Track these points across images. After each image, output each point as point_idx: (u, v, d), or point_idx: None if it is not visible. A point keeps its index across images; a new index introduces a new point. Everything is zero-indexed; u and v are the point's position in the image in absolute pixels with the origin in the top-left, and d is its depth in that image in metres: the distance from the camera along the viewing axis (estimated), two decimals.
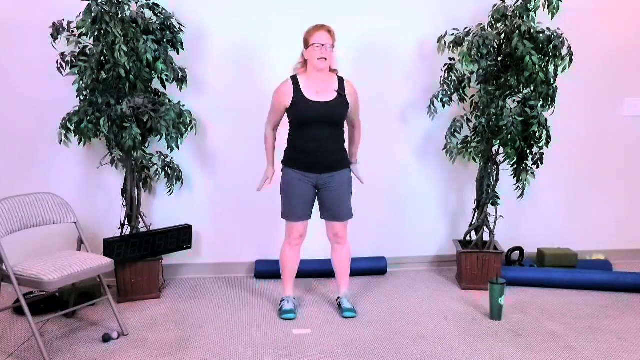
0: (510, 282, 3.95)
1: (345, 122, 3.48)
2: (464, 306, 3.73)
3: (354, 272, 4.11)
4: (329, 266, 3.76)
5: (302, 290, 3.95)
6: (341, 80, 3.39)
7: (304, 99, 3.31)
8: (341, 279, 3.63)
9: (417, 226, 4.42)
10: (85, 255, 3.21)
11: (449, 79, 3.96)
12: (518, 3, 3.74)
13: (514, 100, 3.87)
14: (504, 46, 3.74)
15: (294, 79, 3.37)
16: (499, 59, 3.79)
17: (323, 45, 3.24)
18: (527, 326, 3.43)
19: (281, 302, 3.61)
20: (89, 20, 3.38)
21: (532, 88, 3.75)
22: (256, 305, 3.73)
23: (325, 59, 3.27)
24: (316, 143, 3.33)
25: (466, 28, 3.91)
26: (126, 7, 3.53)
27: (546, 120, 3.72)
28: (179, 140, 3.68)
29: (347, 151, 3.53)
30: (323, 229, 3.56)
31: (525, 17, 3.67)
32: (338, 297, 3.65)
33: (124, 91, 3.53)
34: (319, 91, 3.32)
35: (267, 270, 4.15)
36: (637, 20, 4.40)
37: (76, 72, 3.42)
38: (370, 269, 4.26)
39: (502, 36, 3.75)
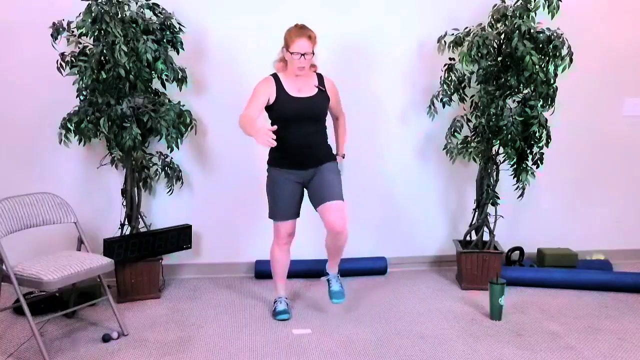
0: (510, 282, 3.95)
1: (330, 116, 3.47)
2: (464, 306, 3.73)
3: (354, 272, 4.11)
4: (325, 266, 3.74)
5: (301, 291, 3.95)
6: (320, 77, 3.39)
7: (287, 96, 3.28)
8: (333, 258, 3.48)
9: (417, 226, 4.42)
10: (85, 255, 3.21)
11: (449, 79, 3.96)
12: (518, 3, 3.74)
13: (514, 100, 3.87)
14: (504, 46, 3.74)
15: (275, 77, 3.33)
16: (499, 59, 3.79)
17: (303, 54, 3.19)
18: (527, 326, 3.43)
19: (274, 303, 3.60)
20: (89, 20, 3.38)
21: (532, 88, 3.75)
22: (256, 306, 3.73)
23: (304, 67, 3.24)
24: (300, 140, 3.28)
25: (466, 28, 3.90)
26: (126, 7, 3.53)
27: (546, 120, 3.72)
28: (179, 140, 3.68)
29: (331, 146, 3.45)
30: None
31: (525, 17, 3.67)
32: (326, 274, 3.56)
33: (124, 91, 3.53)
34: (301, 89, 3.31)
35: (267, 270, 4.14)
36: (637, 20, 4.40)
37: (76, 72, 3.43)
38: (370, 269, 4.26)
39: (502, 36, 3.74)
